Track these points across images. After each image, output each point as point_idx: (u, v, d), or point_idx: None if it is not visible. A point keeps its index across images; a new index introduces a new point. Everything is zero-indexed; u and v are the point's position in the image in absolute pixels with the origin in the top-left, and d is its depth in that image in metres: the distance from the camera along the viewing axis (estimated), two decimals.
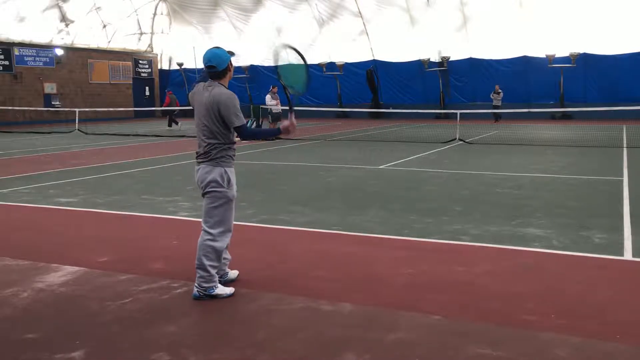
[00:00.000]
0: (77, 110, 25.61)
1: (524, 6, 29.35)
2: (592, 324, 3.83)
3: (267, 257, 5.48)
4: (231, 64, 4.42)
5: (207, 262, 4.32)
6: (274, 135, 4.91)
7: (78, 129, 24.00)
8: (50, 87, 32.62)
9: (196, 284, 4.36)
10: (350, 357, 3.38)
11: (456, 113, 19.54)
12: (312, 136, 20.53)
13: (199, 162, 4.42)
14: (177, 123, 25.80)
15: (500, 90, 27.63)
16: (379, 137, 20.30)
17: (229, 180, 4.39)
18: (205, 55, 4.35)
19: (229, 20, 36.58)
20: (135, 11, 36.71)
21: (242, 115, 4.38)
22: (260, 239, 6.21)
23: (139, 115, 36.65)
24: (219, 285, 4.44)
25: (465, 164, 12.12)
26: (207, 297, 4.32)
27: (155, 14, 38.20)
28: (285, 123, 4.54)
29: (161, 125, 28.07)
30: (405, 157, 13.63)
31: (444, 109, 29.89)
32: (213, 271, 4.36)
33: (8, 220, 7.38)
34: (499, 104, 27.35)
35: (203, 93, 4.36)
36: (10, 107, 28.83)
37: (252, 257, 5.48)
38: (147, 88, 39.29)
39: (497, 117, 27.40)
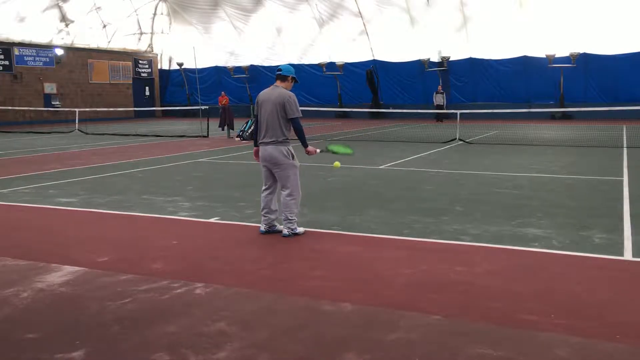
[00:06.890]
0: (77, 110, 25.63)
1: (524, 6, 29.33)
2: (592, 324, 3.83)
3: (267, 257, 5.49)
4: (294, 78, 6.34)
5: (289, 214, 6.10)
6: (305, 143, 6.32)
7: (78, 129, 24.01)
8: (50, 87, 32.63)
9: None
10: (350, 357, 3.38)
11: (456, 113, 19.54)
12: (312, 136, 20.51)
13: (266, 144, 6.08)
14: None
15: (442, 91, 29.27)
16: (379, 137, 20.29)
17: (292, 154, 6.15)
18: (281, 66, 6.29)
19: (229, 20, 36.58)
20: (135, 11, 36.72)
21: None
22: (260, 238, 6.21)
23: (139, 115, 36.64)
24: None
25: (465, 164, 12.12)
26: (294, 235, 6.10)
27: (155, 14, 38.21)
28: (310, 149, 6.37)
29: (162, 126, 28.07)
30: (405, 157, 13.63)
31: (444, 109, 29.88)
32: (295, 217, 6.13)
33: (8, 220, 7.38)
34: (442, 103, 28.76)
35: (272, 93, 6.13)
36: (10, 107, 28.84)
37: (252, 257, 5.49)
38: (147, 88, 39.30)
39: (439, 118, 28.65)
